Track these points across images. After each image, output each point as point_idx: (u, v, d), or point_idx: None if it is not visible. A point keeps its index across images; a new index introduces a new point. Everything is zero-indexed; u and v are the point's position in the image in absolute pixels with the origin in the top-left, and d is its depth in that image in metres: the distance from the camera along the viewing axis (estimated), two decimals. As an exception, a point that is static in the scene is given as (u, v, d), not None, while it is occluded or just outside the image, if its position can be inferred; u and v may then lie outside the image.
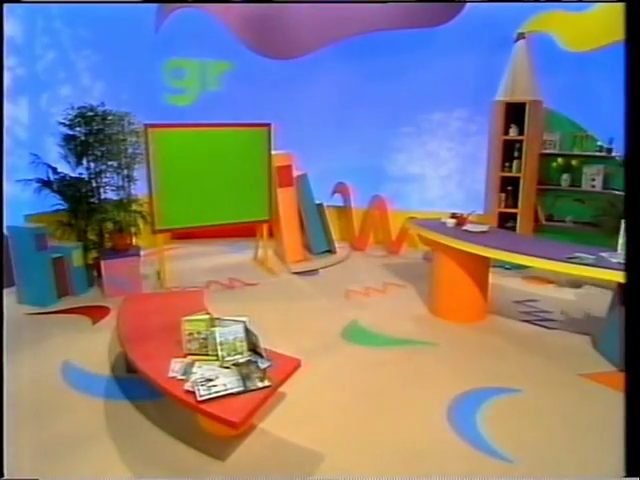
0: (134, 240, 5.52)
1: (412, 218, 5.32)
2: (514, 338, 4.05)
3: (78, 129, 5.21)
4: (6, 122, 5.50)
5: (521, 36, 5.59)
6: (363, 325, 4.29)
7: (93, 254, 5.37)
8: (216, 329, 2.79)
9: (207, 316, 2.91)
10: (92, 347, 3.83)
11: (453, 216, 4.76)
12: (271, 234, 6.16)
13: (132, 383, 3.23)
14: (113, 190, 5.47)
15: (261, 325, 2.85)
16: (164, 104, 6.85)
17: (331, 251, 6.40)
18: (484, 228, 4.53)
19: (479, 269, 4.34)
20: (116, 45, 6.32)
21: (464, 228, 4.53)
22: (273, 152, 5.66)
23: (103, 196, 5.44)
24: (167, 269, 5.36)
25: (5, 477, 2.07)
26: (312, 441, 2.70)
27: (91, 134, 5.21)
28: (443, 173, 7.11)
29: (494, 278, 4.79)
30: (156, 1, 6.16)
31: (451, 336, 4.06)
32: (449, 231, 4.46)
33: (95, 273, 5.34)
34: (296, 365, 2.77)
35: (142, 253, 5.56)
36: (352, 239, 6.99)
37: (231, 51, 6.65)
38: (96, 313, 4.53)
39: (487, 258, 4.26)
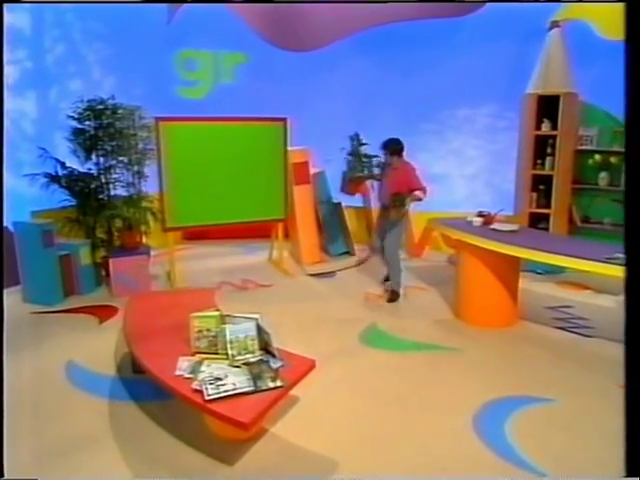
0: (144, 239, 5.58)
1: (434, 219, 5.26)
2: (547, 345, 3.94)
3: (87, 123, 5.29)
4: (14, 115, 5.66)
5: (555, 24, 5.50)
6: (382, 328, 4.25)
7: (101, 252, 5.42)
8: (226, 326, 2.78)
9: (217, 313, 2.89)
10: (98, 347, 3.85)
11: (480, 215, 4.69)
12: (286, 235, 6.15)
13: (138, 384, 3.24)
14: (123, 186, 5.54)
15: (275, 327, 2.83)
16: (176, 97, 6.93)
17: (349, 253, 6.36)
18: (514, 227, 4.44)
19: (508, 271, 4.25)
20: (126, 36, 6.42)
21: (492, 227, 4.44)
22: (289, 148, 5.66)
23: (112, 192, 5.51)
24: (178, 270, 5.39)
25: (5, 477, 2.09)
26: (326, 448, 2.65)
27: (101, 128, 5.29)
28: (469, 172, 7.02)
29: (525, 283, 4.69)
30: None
31: (477, 341, 3.98)
32: (476, 230, 4.39)
33: (103, 272, 5.40)
34: (310, 366, 2.73)
35: (152, 253, 5.62)
36: (371, 241, 6.92)
37: (245, 42, 6.71)
38: (103, 313, 4.57)
39: (517, 259, 4.17)
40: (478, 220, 4.61)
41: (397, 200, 4.61)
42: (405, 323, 4.36)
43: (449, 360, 3.69)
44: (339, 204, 6.46)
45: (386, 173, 4.82)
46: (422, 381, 3.39)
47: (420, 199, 4.64)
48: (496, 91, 6.44)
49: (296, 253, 6.23)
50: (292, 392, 2.94)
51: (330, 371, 3.37)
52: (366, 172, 5.18)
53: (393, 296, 4.87)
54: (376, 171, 5.16)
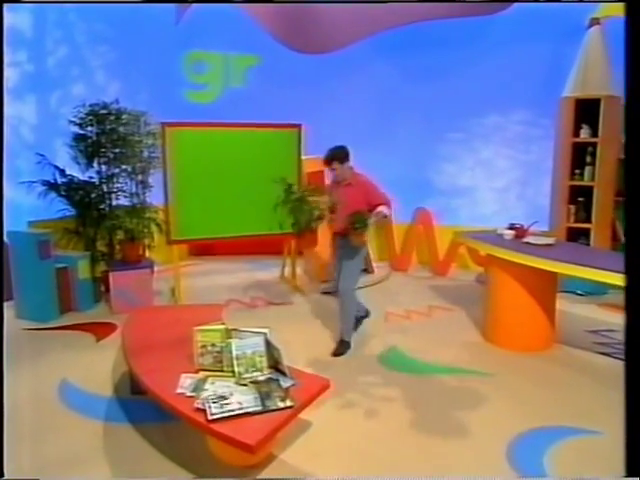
0: (147, 253, 5.62)
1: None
2: (589, 371, 3.84)
3: (89, 128, 5.41)
4: (12, 121, 5.80)
5: (595, 22, 5.49)
6: (403, 350, 4.20)
7: (101, 267, 5.48)
8: (232, 341, 2.77)
9: (223, 326, 2.88)
10: (94, 366, 3.86)
11: (512, 227, 4.64)
12: (300, 251, 6.15)
13: (136, 405, 3.23)
14: (126, 197, 5.61)
15: (286, 346, 2.82)
16: (183, 101, 7.05)
17: (368, 270, 6.33)
18: (549, 241, 4.37)
19: (544, 289, 4.17)
20: (132, 38, 6.57)
21: (525, 240, 4.39)
22: (303, 156, 5.70)
23: (114, 203, 5.59)
24: (183, 286, 5.42)
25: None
26: (340, 476, 2.59)
27: (103, 134, 5.40)
28: (499, 185, 6.99)
29: (564, 305, 4.61)
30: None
31: (510, 366, 3.91)
32: (507, 244, 4.34)
33: (103, 288, 5.45)
34: (324, 386, 2.71)
35: (156, 268, 5.66)
36: (392, 258, 6.91)
37: (257, 43, 6.82)
38: (101, 330, 4.59)
39: (554, 276, 4.10)
40: (510, 233, 4.56)
41: (358, 221, 3.87)
42: (428, 345, 4.30)
43: (479, 385, 3.62)
44: (357, 217, 6.42)
45: (338, 194, 4.05)
46: (447, 407, 3.33)
47: (386, 216, 4.01)
48: (529, 96, 6.43)
49: (310, 270, 6.22)
50: (304, 416, 2.91)
51: (345, 394, 3.34)
52: (317, 213, 3.95)
53: (341, 348, 4.15)
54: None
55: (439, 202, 6.92)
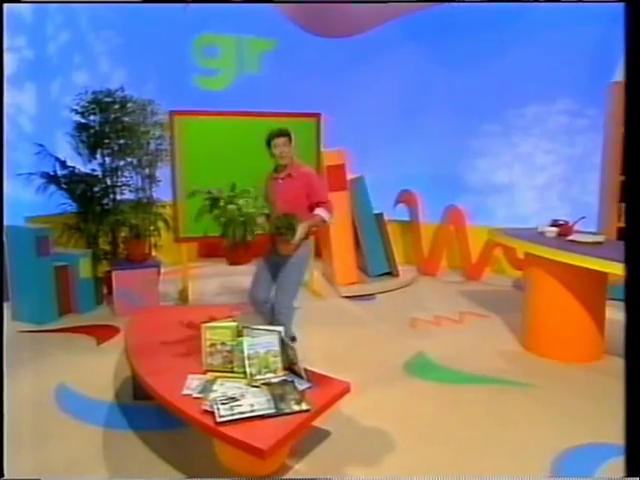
0: (154, 252, 5.64)
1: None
2: (641, 384, 3.73)
3: (92, 117, 5.47)
4: (9, 110, 5.90)
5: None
6: (432, 358, 4.15)
7: (104, 267, 5.53)
8: (244, 339, 2.75)
9: (234, 323, 2.87)
10: (94, 370, 3.88)
11: (555, 224, 4.56)
12: (317, 253, 6.12)
13: (139, 411, 3.24)
14: (131, 191, 5.66)
15: (303, 353, 2.81)
16: (193, 87, 7.11)
17: (392, 274, 6.29)
18: (598, 239, 4.28)
19: (592, 293, 4.07)
20: (138, 21, 6.65)
21: (570, 238, 4.30)
22: (323, 149, 5.69)
23: (119, 198, 5.63)
24: (191, 289, 5.43)
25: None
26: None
27: (107, 123, 5.46)
28: (540, 182, 6.92)
29: (615, 313, 4.49)
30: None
31: (554, 377, 3.83)
32: (550, 242, 4.25)
33: (105, 290, 5.49)
34: (344, 389, 2.68)
35: (163, 271, 5.68)
36: (420, 261, 6.86)
37: (273, 26, 6.87)
38: (102, 333, 4.62)
39: (603, 279, 4.01)
40: (552, 230, 4.48)
41: (284, 224, 3.52)
42: (460, 353, 4.25)
43: (518, 397, 3.55)
44: (381, 215, 6.42)
45: (275, 189, 3.79)
46: (482, 419, 3.26)
47: (325, 221, 3.72)
48: (574, 83, 6.34)
49: (329, 273, 6.19)
50: (322, 425, 2.91)
51: (367, 403, 3.31)
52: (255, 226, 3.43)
53: None
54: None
55: (472, 200, 6.86)
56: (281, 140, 3.72)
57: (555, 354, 4.11)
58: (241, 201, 3.39)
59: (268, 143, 3.77)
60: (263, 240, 3.81)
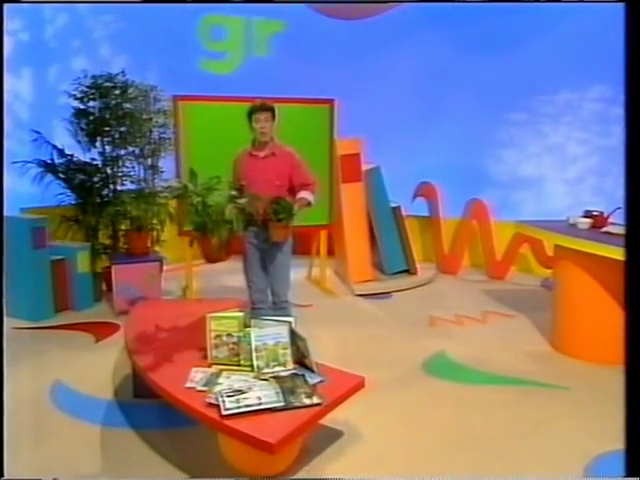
0: (157, 248, 5.66)
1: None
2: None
3: (91, 103, 5.51)
4: (5, 97, 5.95)
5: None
6: (453, 358, 4.15)
7: (103, 262, 5.55)
8: (251, 330, 2.76)
9: (240, 313, 2.87)
10: (92, 367, 3.92)
11: (588, 215, 4.52)
12: (330, 251, 6.12)
13: (140, 409, 3.26)
14: (133, 182, 5.69)
15: (315, 351, 2.81)
16: (199, 71, 7.12)
17: (410, 271, 6.27)
18: (635, 230, 4.23)
19: (627, 289, 4.04)
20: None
21: (604, 230, 4.26)
22: (336, 137, 5.69)
23: (119, 189, 5.66)
24: (195, 286, 5.46)
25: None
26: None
27: (107, 109, 5.49)
28: (572, 175, 6.86)
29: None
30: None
31: (587, 379, 3.82)
32: (583, 234, 4.22)
33: (104, 286, 5.52)
34: (358, 383, 2.69)
35: (166, 267, 5.70)
36: (440, 258, 6.84)
37: (283, 7, 6.87)
38: (100, 330, 4.66)
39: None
40: (585, 222, 4.44)
41: (281, 209, 3.52)
42: (483, 353, 4.24)
43: (548, 399, 3.55)
44: (398, 209, 6.40)
45: (255, 169, 3.74)
46: (509, 422, 3.25)
47: (310, 203, 3.77)
48: (609, 67, 6.24)
49: (342, 270, 6.19)
50: (336, 426, 2.93)
51: (383, 403, 3.32)
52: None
53: None
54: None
55: (497, 194, 6.83)
56: (263, 115, 3.68)
57: (587, 355, 4.08)
58: (215, 195, 3.15)
59: (250, 116, 3.72)
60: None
